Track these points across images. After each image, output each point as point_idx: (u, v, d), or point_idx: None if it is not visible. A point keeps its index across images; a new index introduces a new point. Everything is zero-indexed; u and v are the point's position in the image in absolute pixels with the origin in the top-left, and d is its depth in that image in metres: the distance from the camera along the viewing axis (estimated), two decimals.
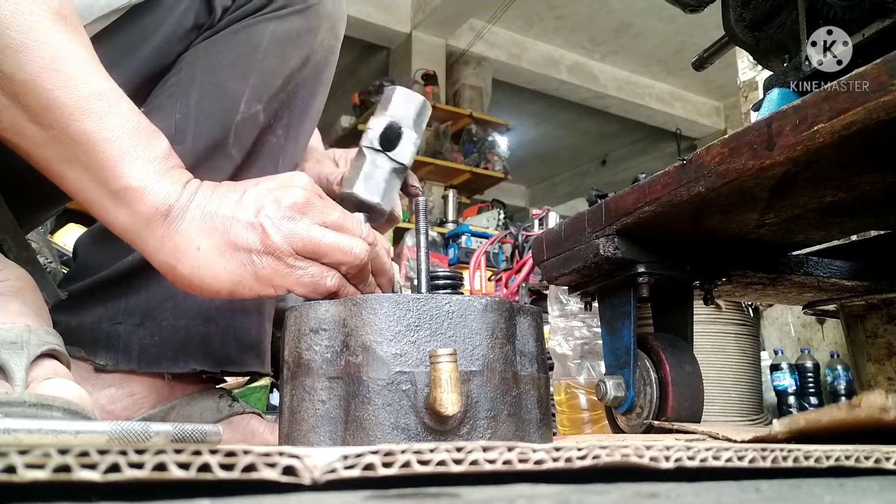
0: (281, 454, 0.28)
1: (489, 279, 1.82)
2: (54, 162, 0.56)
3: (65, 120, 0.54)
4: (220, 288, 0.58)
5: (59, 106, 0.54)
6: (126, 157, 0.56)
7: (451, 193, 5.11)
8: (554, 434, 0.88)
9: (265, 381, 1.43)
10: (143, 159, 0.56)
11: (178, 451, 0.26)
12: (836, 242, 1.01)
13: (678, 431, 0.75)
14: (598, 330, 1.02)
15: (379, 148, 0.66)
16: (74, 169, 0.56)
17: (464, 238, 3.36)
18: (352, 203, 0.64)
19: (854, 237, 1.04)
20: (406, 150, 0.67)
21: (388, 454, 0.30)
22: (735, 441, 0.55)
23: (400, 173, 0.67)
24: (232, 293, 0.58)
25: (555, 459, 0.32)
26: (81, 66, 0.56)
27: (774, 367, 2.12)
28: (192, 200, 0.58)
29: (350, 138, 5.57)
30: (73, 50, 0.55)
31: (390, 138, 0.67)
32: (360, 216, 0.61)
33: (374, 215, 0.66)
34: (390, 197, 0.67)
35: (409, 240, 3.60)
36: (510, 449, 0.32)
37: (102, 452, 0.25)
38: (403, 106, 0.67)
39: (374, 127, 0.66)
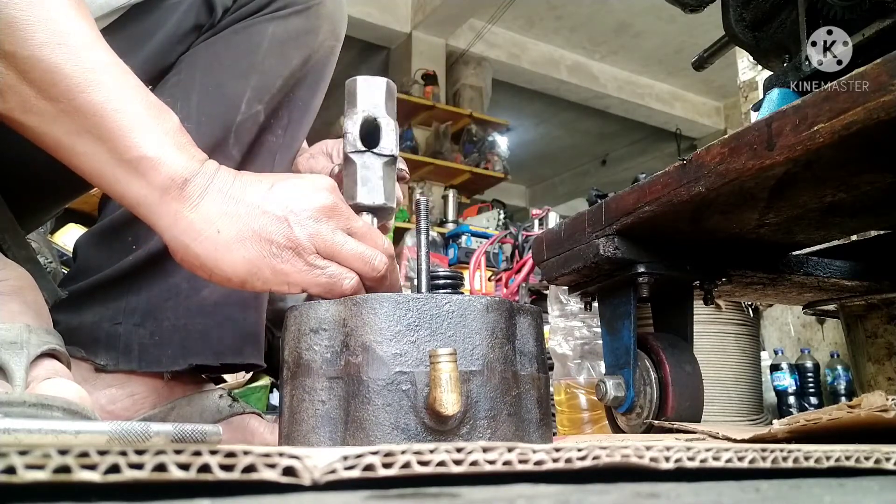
0: (281, 455, 0.28)
1: (489, 279, 1.82)
2: (64, 137, 0.55)
3: (72, 92, 0.54)
4: (233, 275, 0.57)
5: (66, 78, 0.53)
6: (139, 126, 0.55)
7: (451, 193, 5.11)
8: (554, 434, 0.88)
9: (265, 381, 1.43)
10: (158, 130, 0.56)
11: (177, 452, 0.26)
12: (836, 242, 1.01)
13: (678, 431, 0.75)
14: (598, 330, 1.02)
15: (363, 148, 0.63)
16: (85, 142, 0.55)
17: (464, 238, 3.35)
18: (360, 211, 0.64)
19: (854, 237, 1.04)
20: (390, 140, 0.64)
21: (388, 455, 0.30)
22: (735, 441, 0.55)
23: (391, 164, 0.65)
24: (244, 283, 0.57)
25: (555, 460, 0.32)
26: (86, 39, 0.55)
27: (774, 367, 2.12)
28: (212, 181, 0.57)
29: None
30: (77, 24, 0.55)
31: (370, 133, 0.65)
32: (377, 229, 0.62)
33: (383, 215, 0.66)
34: (392, 191, 0.66)
35: (409, 240, 3.60)
36: (510, 449, 0.32)
37: (102, 453, 0.25)
38: (370, 95, 0.65)
39: (351, 129, 0.63)
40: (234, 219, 0.56)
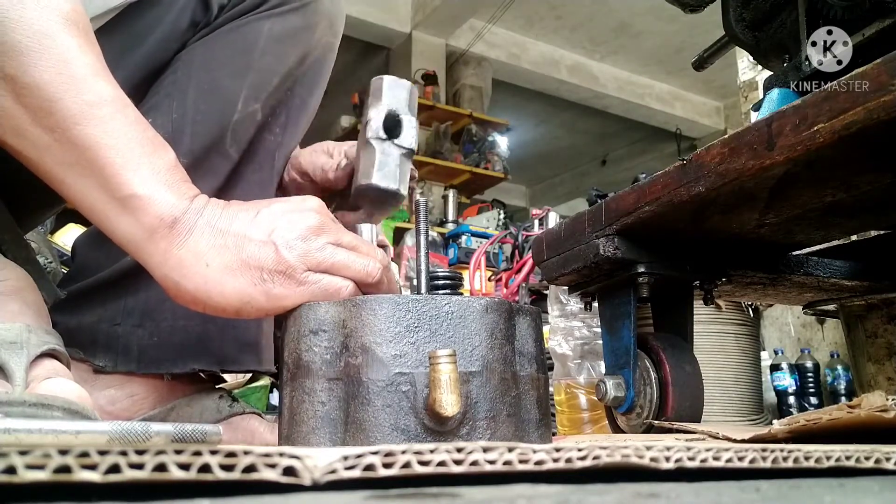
0: (281, 455, 0.28)
1: (489, 279, 1.82)
2: (56, 167, 0.55)
3: (67, 124, 0.53)
4: (226, 306, 0.57)
5: (62, 109, 0.53)
6: (130, 164, 0.55)
7: (451, 193, 5.11)
8: (554, 434, 0.88)
9: (265, 381, 1.43)
10: (149, 168, 0.55)
11: (178, 452, 0.26)
12: (836, 242, 1.01)
13: (678, 431, 0.75)
14: (598, 330, 1.02)
15: (384, 137, 0.66)
16: (77, 175, 0.55)
17: (464, 238, 3.35)
18: (372, 193, 0.65)
19: (854, 237, 1.04)
20: (410, 135, 0.68)
21: (388, 455, 0.30)
22: (735, 441, 0.55)
23: (408, 157, 0.68)
24: (238, 312, 0.57)
25: (555, 460, 0.32)
26: (87, 72, 0.55)
27: (774, 367, 2.12)
28: (200, 216, 0.56)
29: (350, 137, 5.56)
30: (80, 55, 0.55)
31: (391, 126, 0.68)
32: (371, 241, 0.61)
33: (393, 202, 0.67)
34: (405, 182, 0.69)
35: (409, 240, 3.60)
36: (510, 449, 0.32)
37: (103, 453, 0.25)
38: (395, 93, 0.69)
39: (375, 117, 0.67)
40: (222, 251, 0.56)
